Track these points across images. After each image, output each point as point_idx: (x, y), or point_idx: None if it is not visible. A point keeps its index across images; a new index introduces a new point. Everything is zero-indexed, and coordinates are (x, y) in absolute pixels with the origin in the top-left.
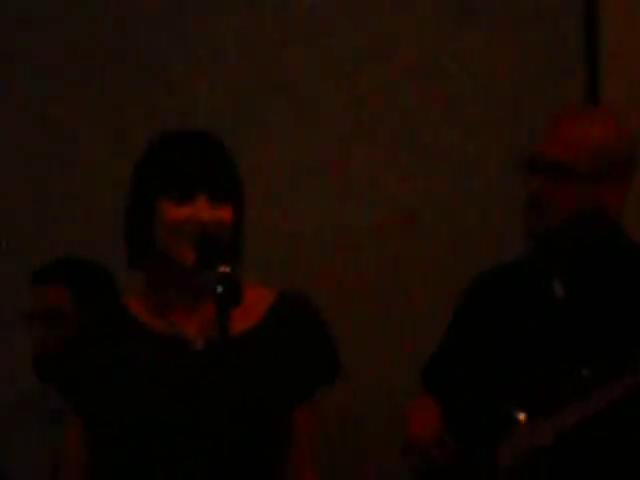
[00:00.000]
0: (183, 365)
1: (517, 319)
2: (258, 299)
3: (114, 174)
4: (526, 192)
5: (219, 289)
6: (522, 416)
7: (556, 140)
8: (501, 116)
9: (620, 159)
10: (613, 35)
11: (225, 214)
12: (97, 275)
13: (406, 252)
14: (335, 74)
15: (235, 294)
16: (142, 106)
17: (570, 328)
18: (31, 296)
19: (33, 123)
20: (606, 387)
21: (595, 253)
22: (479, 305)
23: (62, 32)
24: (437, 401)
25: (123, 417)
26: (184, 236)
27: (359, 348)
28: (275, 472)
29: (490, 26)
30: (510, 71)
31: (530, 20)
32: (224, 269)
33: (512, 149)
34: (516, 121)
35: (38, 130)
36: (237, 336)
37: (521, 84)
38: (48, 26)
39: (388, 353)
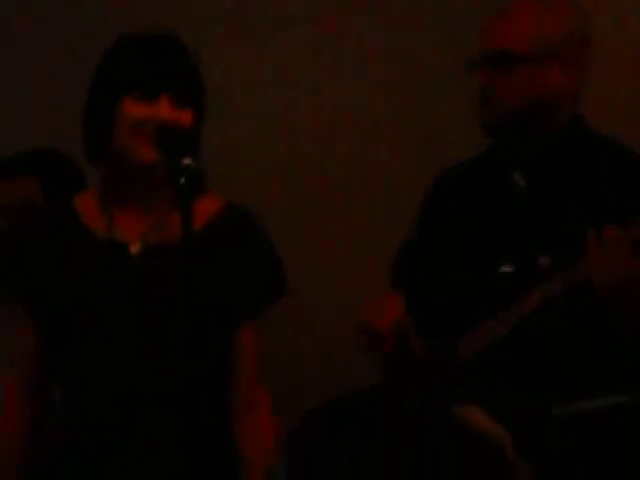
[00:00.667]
0: (118, 269)
1: (480, 211)
2: (203, 206)
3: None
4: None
5: (182, 180)
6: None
7: (498, 30)
8: None
9: (567, 42)
10: None
11: (186, 116)
12: (67, 167)
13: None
14: None
15: (198, 185)
16: None
17: (531, 217)
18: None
19: None
20: (562, 274)
21: (553, 142)
22: (443, 199)
23: None
24: (404, 295)
25: (62, 316)
26: (145, 134)
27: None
28: (220, 397)
29: None
30: None
31: None
32: (187, 161)
33: None
34: None
35: None
36: (176, 242)
37: None
38: None
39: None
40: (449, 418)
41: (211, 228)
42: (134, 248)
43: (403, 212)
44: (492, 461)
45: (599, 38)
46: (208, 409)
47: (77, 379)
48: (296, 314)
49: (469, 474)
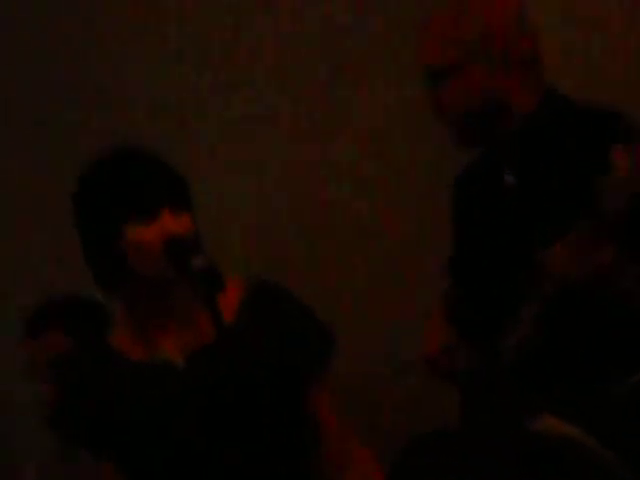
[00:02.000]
0: (173, 389)
1: (480, 210)
2: (227, 296)
3: None
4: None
5: (201, 283)
6: None
7: (422, 48)
8: None
9: (487, 40)
10: None
11: (186, 221)
12: (90, 310)
13: None
14: None
15: (217, 280)
16: None
17: (523, 211)
18: (28, 348)
19: None
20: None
21: (524, 134)
22: (457, 203)
23: None
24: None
25: (138, 457)
26: (158, 252)
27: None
28: (313, 467)
29: None
30: None
31: None
32: (198, 262)
33: None
34: None
35: None
36: (229, 329)
37: None
38: None
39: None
40: (529, 432)
41: (244, 314)
42: (180, 362)
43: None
44: (586, 464)
45: None
46: None
47: None
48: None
49: None
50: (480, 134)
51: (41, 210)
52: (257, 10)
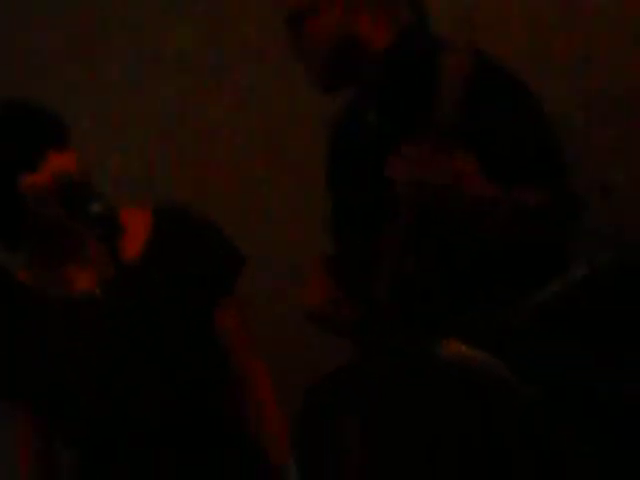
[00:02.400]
0: (92, 317)
1: (348, 152)
2: (136, 223)
3: None
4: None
5: (98, 229)
6: None
7: None
8: None
9: None
10: None
11: (73, 157)
12: None
13: None
14: None
15: (115, 227)
16: None
17: (383, 151)
18: None
19: None
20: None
21: (387, 74)
22: (331, 146)
23: None
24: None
25: (60, 388)
26: (54, 196)
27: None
28: (222, 384)
29: None
30: None
31: None
32: (95, 208)
33: None
34: None
35: None
36: (129, 267)
37: None
38: None
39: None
40: (437, 357)
41: (155, 240)
42: (97, 293)
43: None
44: (494, 386)
45: None
46: (221, 412)
47: (85, 439)
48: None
49: (474, 404)
50: (341, 76)
51: None
52: None
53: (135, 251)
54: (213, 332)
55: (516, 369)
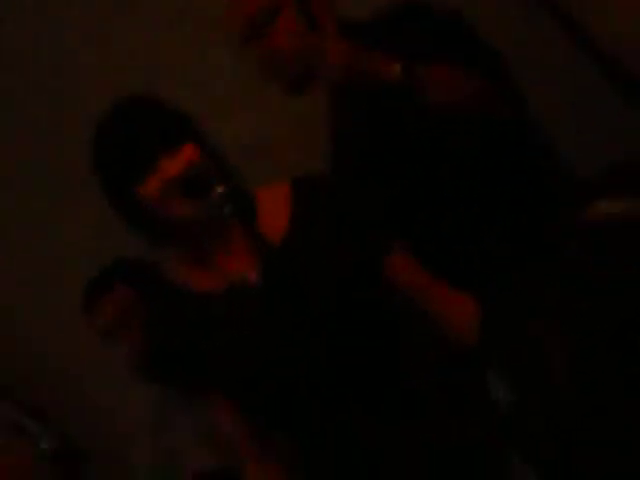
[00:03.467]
0: (256, 299)
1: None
2: (277, 199)
3: None
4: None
5: (226, 209)
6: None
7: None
8: None
9: None
10: None
11: (188, 154)
12: (144, 267)
13: None
14: None
15: (246, 206)
16: None
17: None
18: (100, 309)
19: None
20: None
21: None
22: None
23: None
24: None
25: (250, 372)
26: (172, 194)
27: None
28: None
29: None
30: None
31: None
32: (219, 190)
33: None
34: None
35: None
36: (282, 243)
37: None
38: None
39: None
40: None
41: (297, 214)
42: (255, 278)
43: None
44: None
45: None
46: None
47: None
48: None
49: None
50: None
51: None
52: None
53: (281, 226)
54: (384, 287)
55: None
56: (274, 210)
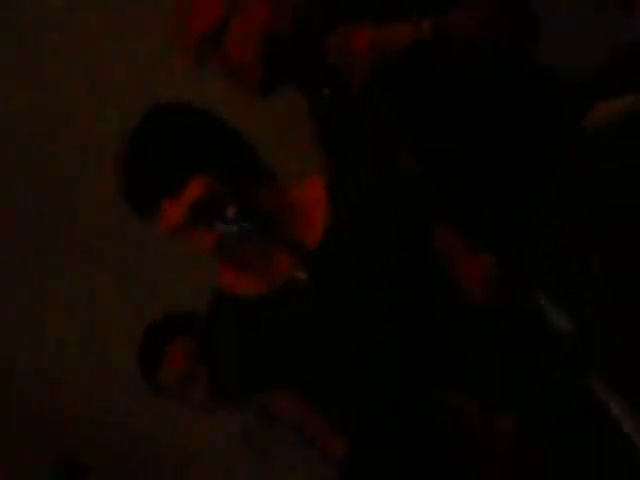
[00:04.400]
0: (310, 299)
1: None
2: (312, 193)
3: None
4: None
5: (245, 228)
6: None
7: (196, 16)
8: None
9: None
10: None
11: (192, 193)
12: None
13: None
14: None
15: (257, 221)
16: None
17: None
18: (168, 366)
19: None
20: None
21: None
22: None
23: None
24: None
25: (318, 371)
26: (184, 228)
27: None
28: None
29: None
30: None
31: None
32: (230, 214)
33: None
34: None
35: None
36: (324, 240)
37: None
38: None
39: None
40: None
41: (334, 203)
42: (301, 274)
43: None
44: None
45: None
46: None
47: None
48: None
49: None
50: (281, 70)
51: None
52: None
53: (321, 219)
54: (434, 264)
55: None
56: (311, 204)
